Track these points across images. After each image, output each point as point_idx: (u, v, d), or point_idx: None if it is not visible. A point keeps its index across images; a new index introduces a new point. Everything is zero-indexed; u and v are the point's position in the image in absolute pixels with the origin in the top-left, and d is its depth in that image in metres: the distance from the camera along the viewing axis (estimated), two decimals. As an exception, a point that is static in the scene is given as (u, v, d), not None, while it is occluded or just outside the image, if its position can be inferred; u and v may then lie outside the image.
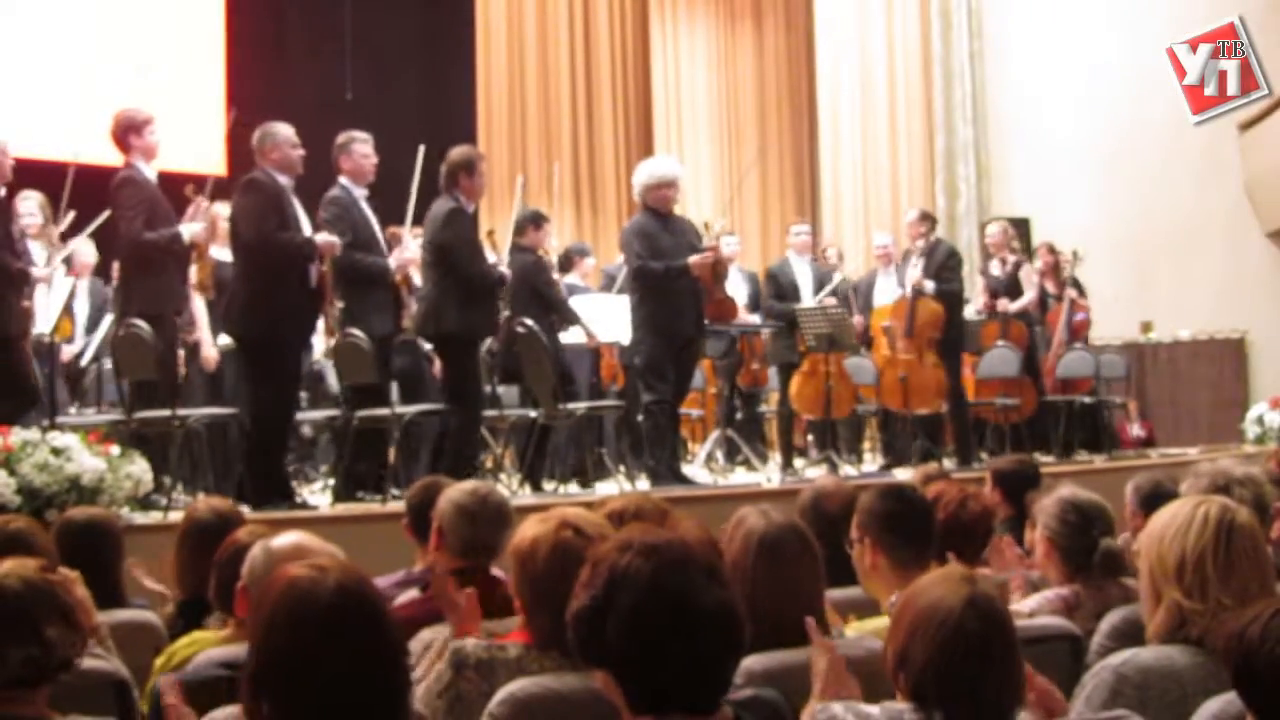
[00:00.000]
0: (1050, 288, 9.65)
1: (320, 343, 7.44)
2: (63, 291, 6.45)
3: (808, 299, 8.59)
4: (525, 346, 6.92)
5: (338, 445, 7.11)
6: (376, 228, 6.67)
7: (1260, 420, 9.65)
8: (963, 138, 13.08)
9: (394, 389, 6.90)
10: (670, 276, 6.89)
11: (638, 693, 1.77)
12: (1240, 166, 10.65)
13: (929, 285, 8.42)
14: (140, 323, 5.96)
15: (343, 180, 6.59)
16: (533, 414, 7.27)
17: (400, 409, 6.62)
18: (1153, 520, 2.57)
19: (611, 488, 6.98)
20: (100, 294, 7.60)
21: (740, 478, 8.27)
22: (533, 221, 7.62)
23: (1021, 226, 11.39)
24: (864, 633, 2.80)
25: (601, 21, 13.72)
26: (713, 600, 1.78)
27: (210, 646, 2.88)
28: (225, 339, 6.90)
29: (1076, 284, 9.76)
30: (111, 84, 9.72)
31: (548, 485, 7.45)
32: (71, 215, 6.92)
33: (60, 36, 10.60)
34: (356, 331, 6.28)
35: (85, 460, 5.04)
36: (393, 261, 6.57)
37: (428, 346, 7.22)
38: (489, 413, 7.05)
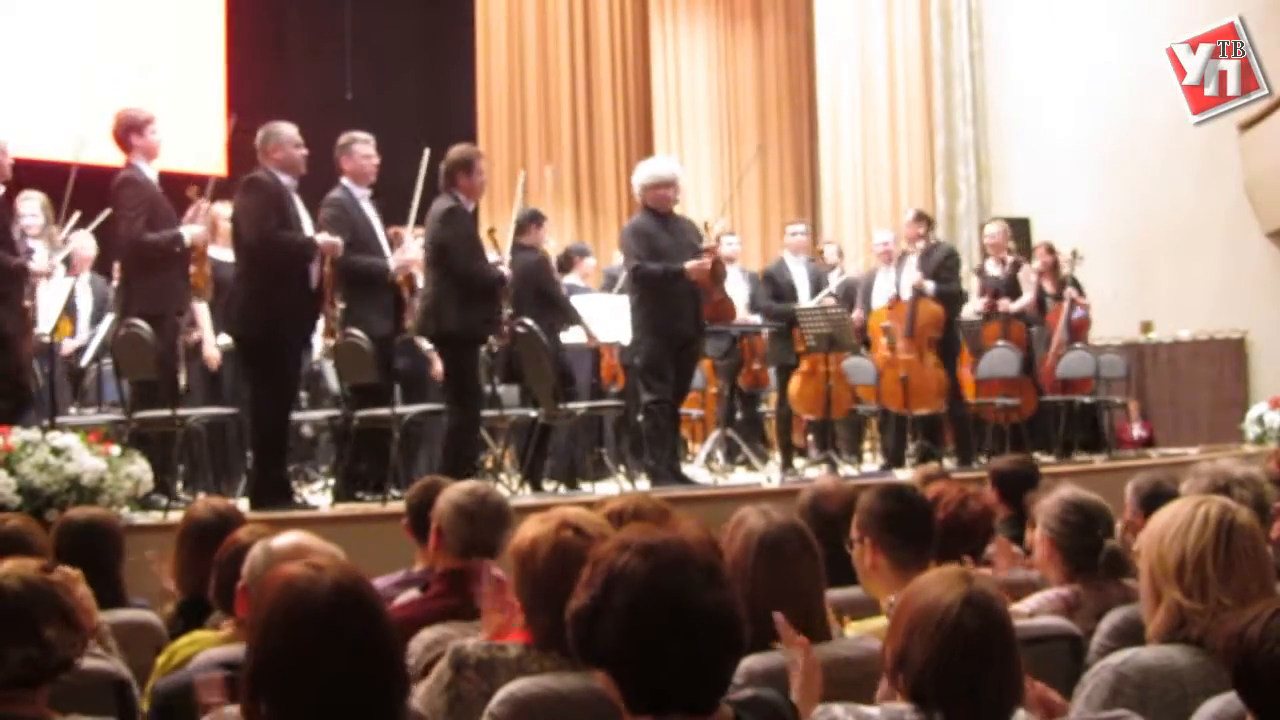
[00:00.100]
0: (1048, 287, 9.65)
1: (319, 343, 7.43)
2: (62, 291, 6.45)
3: (804, 299, 8.59)
4: (525, 346, 6.92)
5: (338, 445, 7.12)
6: (378, 228, 6.66)
7: (1260, 420, 9.63)
8: (963, 138, 13.07)
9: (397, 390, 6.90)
10: (668, 279, 6.89)
11: (636, 693, 1.77)
12: (1240, 166, 10.64)
13: (929, 286, 8.42)
14: (140, 323, 5.96)
15: (344, 181, 6.59)
16: (533, 414, 7.27)
17: (400, 409, 6.62)
18: (1153, 520, 2.57)
19: (611, 488, 6.97)
20: (102, 289, 7.59)
21: (740, 478, 8.26)
22: (533, 220, 7.63)
23: (1021, 226, 11.39)
24: (864, 633, 2.80)
25: (601, 21, 13.72)
26: (711, 600, 1.77)
27: (210, 646, 2.88)
28: (225, 338, 6.90)
29: (1075, 283, 9.76)
30: (112, 84, 9.72)
31: (548, 485, 7.45)
32: (76, 216, 6.93)
33: (60, 36, 10.61)
34: (357, 331, 6.28)
35: (85, 460, 5.04)
36: (393, 262, 6.57)
37: (427, 346, 7.23)
38: (489, 413, 7.05)
